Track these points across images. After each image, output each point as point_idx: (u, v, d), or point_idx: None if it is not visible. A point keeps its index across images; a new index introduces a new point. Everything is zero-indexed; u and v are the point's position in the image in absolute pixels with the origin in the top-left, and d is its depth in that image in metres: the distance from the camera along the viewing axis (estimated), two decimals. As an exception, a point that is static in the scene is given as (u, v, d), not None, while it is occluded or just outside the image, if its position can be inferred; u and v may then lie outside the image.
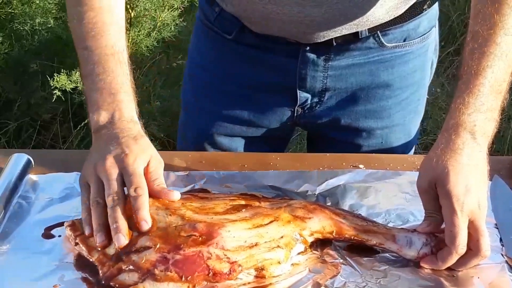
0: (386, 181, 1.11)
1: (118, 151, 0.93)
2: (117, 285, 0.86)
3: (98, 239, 0.89)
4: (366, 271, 0.92)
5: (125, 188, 0.93)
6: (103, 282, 0.87)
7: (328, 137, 1.31)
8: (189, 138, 1.38)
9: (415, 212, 1.02)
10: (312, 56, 1.19)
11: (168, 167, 1.12)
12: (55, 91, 2.27)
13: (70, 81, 2.26)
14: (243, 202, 0.98)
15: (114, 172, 0.92)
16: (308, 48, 1.18)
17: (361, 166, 1.15)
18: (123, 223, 0.88)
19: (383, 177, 1.12)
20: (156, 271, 0.85)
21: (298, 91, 1.23)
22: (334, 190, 1.08)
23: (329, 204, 1.05)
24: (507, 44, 0.96)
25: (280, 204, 0.98)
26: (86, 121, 2.33)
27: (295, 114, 1.27)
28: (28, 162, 1.09)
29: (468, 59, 0.97)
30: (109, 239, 0.89)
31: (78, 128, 2.46)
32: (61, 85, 2.23)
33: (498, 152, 2.67)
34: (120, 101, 0.99)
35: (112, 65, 1.01)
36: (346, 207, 1.04)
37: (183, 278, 0.85)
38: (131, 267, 0.87)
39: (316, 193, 1.08)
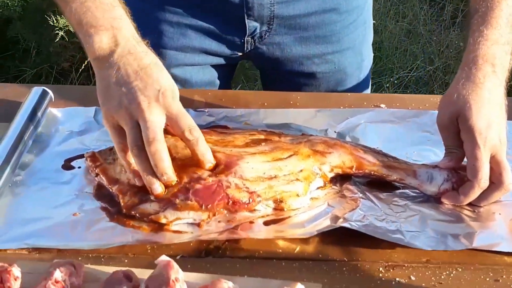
0: (408, 120, 1.09)
1: (150, 95, 0.87)
2: (137, 214, 0.86)
3: (155, 191, 0.86)
4: (386, 205, 0.91)
5: None
6: (124, 211, 0.87)
7: (282, 70, 1.29)
8: None
9: (437, 151, 1.01)
10: None
11: (188, 104, 1.12)
12: (57, 31, 2.24)
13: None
14: (262, 137, 0.98)
15: (157, 115, 0.87)
16: None
17: (382, 105, 1.14)
18: (170, 172, 0.87)
19: (404, 116, 1.10)
20: (177, 201, 0.86)
21: (246, 20, 1.20)
22: (355, 128, 1.07)
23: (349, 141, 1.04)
24: None
25: (300, 140, 0.97)
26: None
27: (245, 45, 1.24)
28: (48, 96, 1.09)
29: None
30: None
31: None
32: (63, 25, 2.18)
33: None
34: (118, 17, 0.91)
35: None
36: (366, 145, 1.03)
37: (203, 207, 0.85)
38: (152, 197, 0.87)
39: (337, 130, 1.07)
